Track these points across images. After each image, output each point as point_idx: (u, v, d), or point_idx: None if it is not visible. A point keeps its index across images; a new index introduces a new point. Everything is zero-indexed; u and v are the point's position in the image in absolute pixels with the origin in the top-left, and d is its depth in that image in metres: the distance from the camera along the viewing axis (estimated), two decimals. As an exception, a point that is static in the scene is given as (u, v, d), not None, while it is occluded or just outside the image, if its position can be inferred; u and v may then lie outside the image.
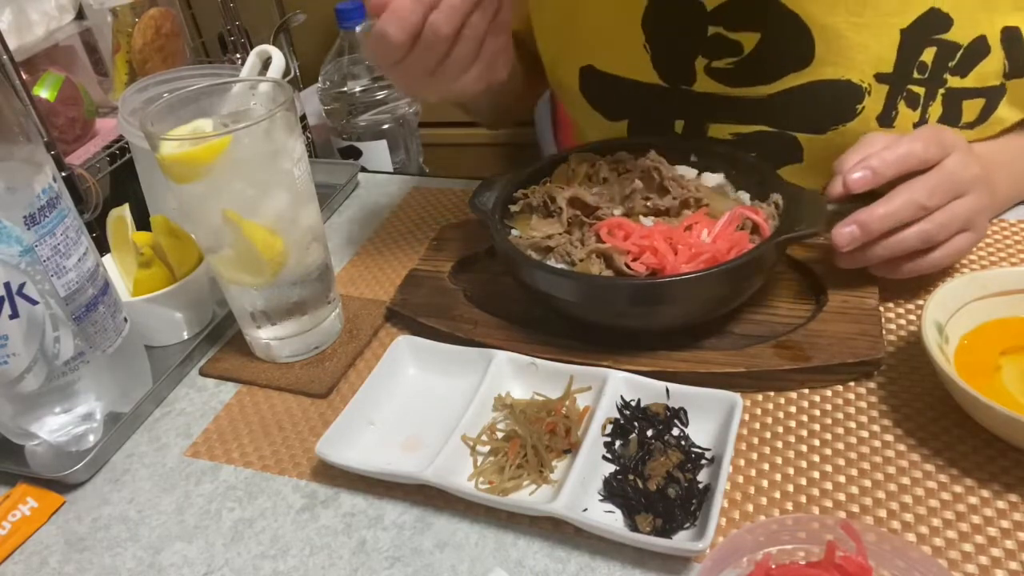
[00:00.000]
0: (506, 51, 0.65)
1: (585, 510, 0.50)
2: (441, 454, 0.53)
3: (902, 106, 0.68)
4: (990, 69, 0.66)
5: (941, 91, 0.68)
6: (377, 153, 1.29)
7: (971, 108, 0.68)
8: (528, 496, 0.52)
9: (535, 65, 0.87)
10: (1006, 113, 0.69)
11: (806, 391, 0.58)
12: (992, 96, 0.68)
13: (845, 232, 0.58)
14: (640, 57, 0.74)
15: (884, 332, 0.59)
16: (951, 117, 0.69)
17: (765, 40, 0.69)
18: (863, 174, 0.57)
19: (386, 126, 1.30)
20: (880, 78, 0.68)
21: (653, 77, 0.74)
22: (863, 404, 0.56)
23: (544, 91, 1.03)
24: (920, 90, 0.68)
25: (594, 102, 0.80)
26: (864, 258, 0.60)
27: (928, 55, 0.66)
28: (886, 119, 0.69)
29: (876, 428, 0.54)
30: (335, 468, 0.55)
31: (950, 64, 0.66)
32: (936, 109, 0.68)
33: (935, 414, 0.54)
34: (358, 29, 1.25)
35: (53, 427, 0.59)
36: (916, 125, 0.69)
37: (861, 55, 0.67)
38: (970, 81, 0.67)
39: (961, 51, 0.66)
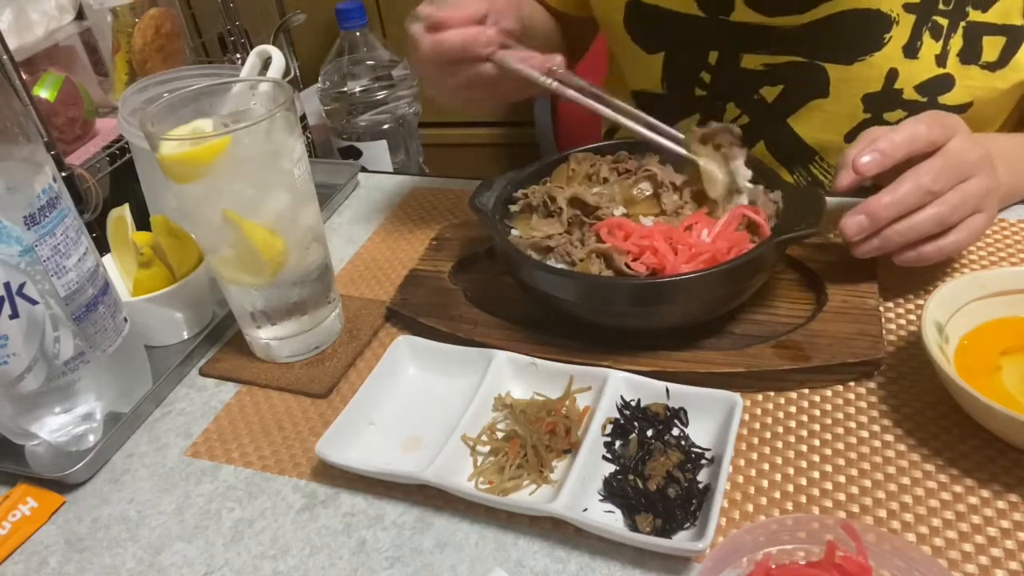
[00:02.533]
0: (514, 93, 0.71)
1: (585, 510, 0.50)
2: (441, 454, 0.53)
3: (926, 36, 0.70)
4: (1011, 6, 0.69)
5: (963, 23, 0.70)
6: (377, 153, 1.30)
7: (992, 46, 0.70)
8: (528, 496, 0.52)
9: (567, 31, 0.92)
10: None
11: (806, 391, 0.58)
12: (1013, 35, 0.69)
13: (853, 222, 0.58)
14: None
15: (884, 332, 0.59)
16: (971, 52, 0.70)
17: None
18: (872, 157, 0.57)
19: (386, 126, 1.30)
20: (908, 8, 0.70)
21: (692, 7, 0.77)
22: (863, 404, 0.56)
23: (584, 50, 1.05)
24: (944, 21, 0.70)
25: (635, 36, 0.83)
26: (881, 246, 0.59)
27: None
28: (911, 50, 0.71)
29: (876, 428, 0.54)
30: (335, 468, 0.55)
31: None
32: (957, 42, 0.70)
33: (935, 414, 0.54)
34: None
35: (53, 427, 0.59)
36: (938, 57, 0.71)
37: None
38: (991, 16, 0.69)
39: None
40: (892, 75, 0.72)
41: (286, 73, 0.73)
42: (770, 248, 0.58)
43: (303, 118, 1.25)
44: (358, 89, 1.28)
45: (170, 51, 1.21)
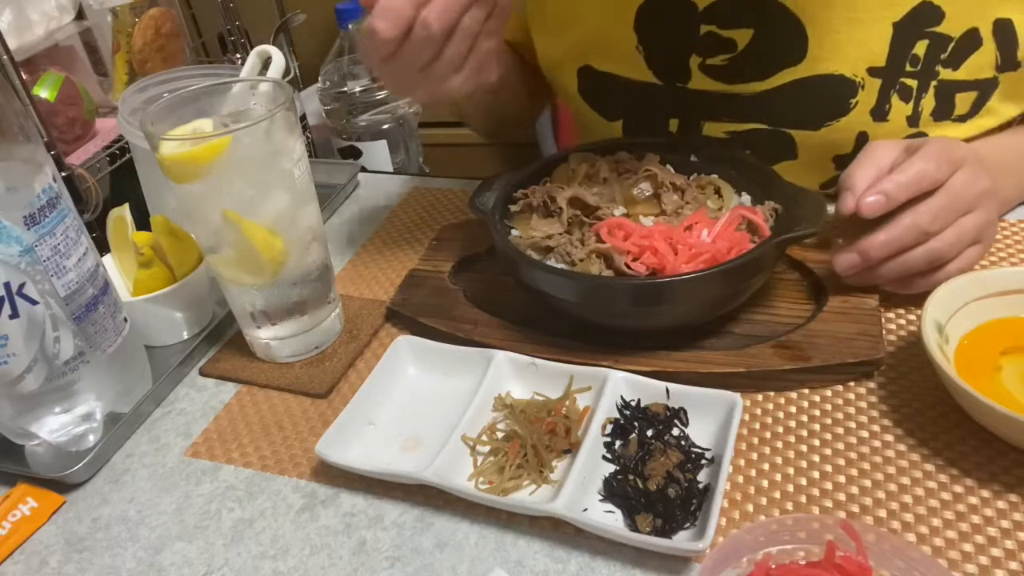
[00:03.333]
0: (497, 54, 0.64)
1: (585, 510, 0.50)
2: (441, 454, 0.53)
3: (895, 99, 0.69)
4: (982, 61, 0.67)
5: (933, 83, 0.68)
6: (377, 153, 1.30)
7: (964, 101, 0.69)
8: (528, 496, 0.52)
9: (534, 78, 0.87)
10: (998, 106, 0.69)
11: (806, 391, 0.58)
12: (985, 89, 0.68)
13: (846, 259, 0.59)
14: (634, 57, 0.75)
15: (884, 332, 0.59)
16: (944, 110, 0.69)
17: (759, 36, 0.70)
18: (877, 199, 0.57)
19: (386, 126, 1.30)
20: (873, 72, 0.68)
21: (648, 76, 0.75)
22: (863, 404, 0.56)
23: (543, 109, 1.05)
24: (912, 83, 0.68)
25: (592, 102, 0.81)
26: (871, 279, 0.60)
27: (920, 48, 0.67)
28: (879, 113, 0.69)
29: (876, 428, 0.54)
30: (335, 468, 0.55)
31: (942, 57, 0.67)
32: (929, 102, 0.69)
33: (935, 414, 0.54)
34: (350, 26, 1.25)
35: (53, 427, 0.59)
36: (909, 119, 0.69)
37: (854, 50, 0.68)
38: (962, 73, 0.68)
39: (953, 43, 0.66)
40: (862, 138, 0.70)
41: (286, 73, 0.73)
42: (770, 248, 0.58)
43: (303, 118, 1.25)
44: (358, 89, 1.28)
45: (170, 51, 1.21)
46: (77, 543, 0.55)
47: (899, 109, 0.69)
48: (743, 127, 0.74)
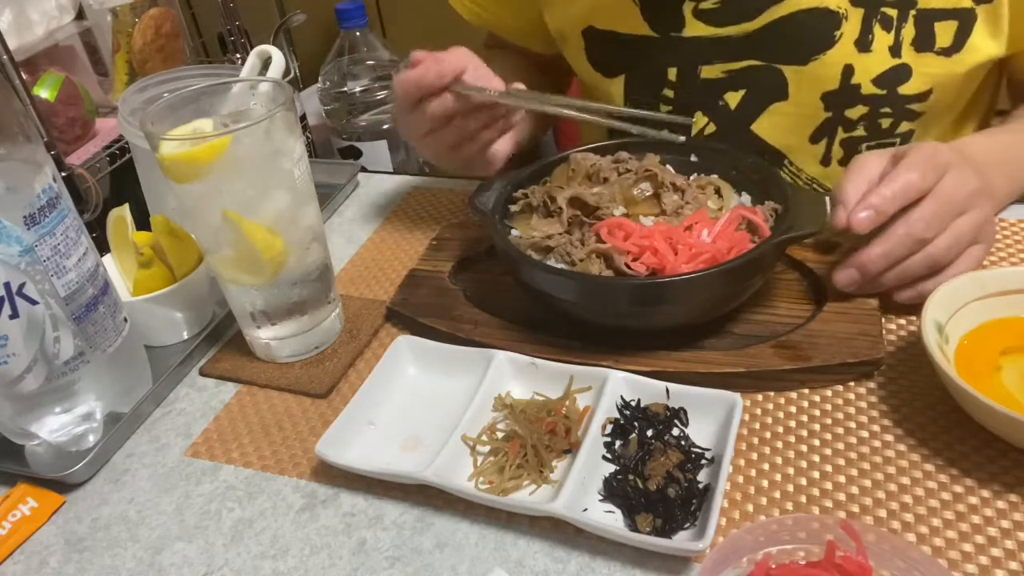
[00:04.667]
0: (479, 161, 0.74)
1: (585, 510, 0.50)
2: (441, 454, 0.53)
3: (877, 29, 0.71)
4: None
5: (912, 12, 0.70)
6: (377, 153, 1.30)
7: (944, 31, 0.71)
8: (528, 496, 0.52)
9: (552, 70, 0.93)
10: (981, 41, 0.71)
11: (806, 391, 0.58)
12: (964, 19, 0.70)
13: (845, 275, 0.60)
14: (630, 10, 0.78)
15: (884, 332, 0.59)
16: (924, 39, 0.71)
17: None
18: (867, 215, 0.57)
19: (386, 126, 1.30)
20: (855, 2, 0.71)
21: (644, 29, 0.78)
22: (863, 404, 0.56)
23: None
24: (893, 12, 0.71)
25: (594, 62, 0.84)
26: (872, 288, 0.61)
27: None
28: (863, 44, 0.72)
29: (876, 428, 0.54)
30: (335, 468, 0.55)
31: None
32: (909, 31, 0.71)
33: (935, 414, 0.54)
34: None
35: (53, 427, 0.59)
36: (891, 48, 0.72)
37: None
38: (940, 1, 0.70)
39: None
40: (848, 71, 0.73)
41: (286, 73, 0.73)
42: (770, 248, 0.58)
43: (303, 118, 1.25)
44: (358, 89, 1.28)
45: (170, 51, 1.21)
46: (77, 543, 0.55)
47: (881, 39, 0.71)
48: (738, 65, 0.77)
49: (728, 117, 0.80)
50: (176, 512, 0.56)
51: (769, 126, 0.79)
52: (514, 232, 0.66)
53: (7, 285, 0.52)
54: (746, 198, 0.66)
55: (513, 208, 0.68)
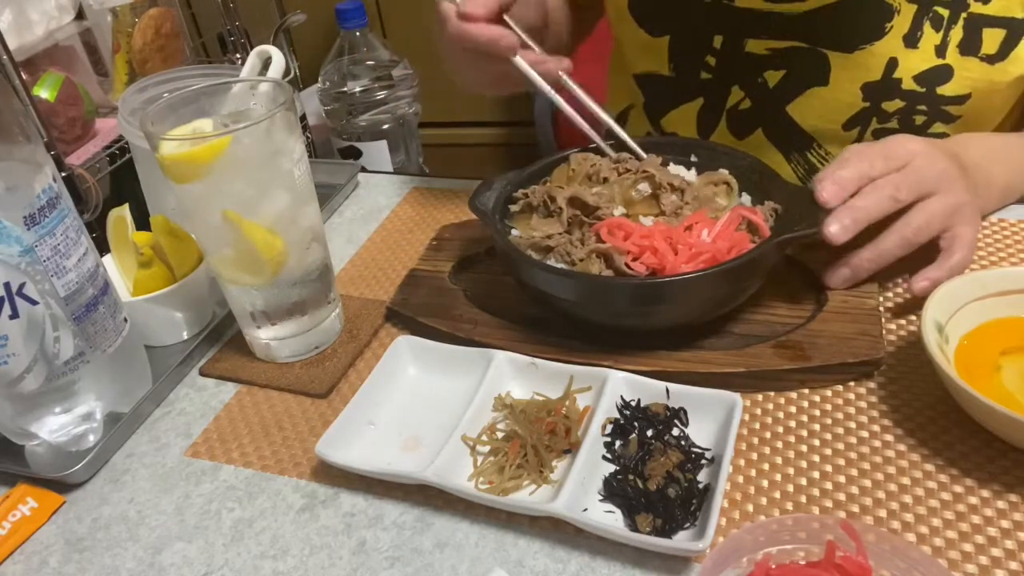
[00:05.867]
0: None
1: (585, 510, 0.50)
2: (441, 454, 0.53)
3: (927, 27, 0.71)
4: None
5: (964, 15, 0.70)
6: (377, 153, 1.30)
7: (992, 38, 0.71)
8: (528, 496, 0.52)
9: (573, 17, 0.93)
10: None
11: (806, 391, 0.58)
12: (1014, 28, 0.70)
13: (839, 276, 0.62)
14: None
15: (884, 332, 0.59)
16: (971, 43, 0.71)
17: None
18: (827, 187, 0.59)
19: (386, 126, 1.30)
20: None
21: None
22: (863, 404, 0.56)
23: (584, 39, 1.07)
24: (945, 12, 0.70)
25: (640, 20, 0.83)
26: (856, 270, 0.62)
27: None
28: (911, 39, 0.72)
29: (876, 428, 0.54)
30: (335, 468, 0.55)
31: None
32: (957, 33, 0.71)
33: (935, 414, 0.54)
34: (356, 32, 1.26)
35: (53, 427, 0.59)
36: (937, 48, 0.71)
37: None
38: (992, 8, 0.70)
39: None
40: (892, 64, 0.73)
41: (286, 73, 0.73)
42: (770, 248, 0.58)
43: (303, 118, 1.25)
44: (358, 89, 1.28)
45: (170, 51, 1.21)
46: (77, 543, 0.55)
47: (929, 37, 0.71)
48: (782, 44, 0.76)
49: (765, 94, 0.80)
50: (176, 512, 0.56)
51: (804, 109, 0.78)
52: (514, 232, 0.66)
53: (7, 285, 0.52)
54: (746, 198, 0.66)
55: (513, 208, 0.68)
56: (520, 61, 0.69)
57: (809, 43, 0.75)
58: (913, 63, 0.73)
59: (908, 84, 0.73)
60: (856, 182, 0.60)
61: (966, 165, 0.64)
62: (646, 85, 0.89)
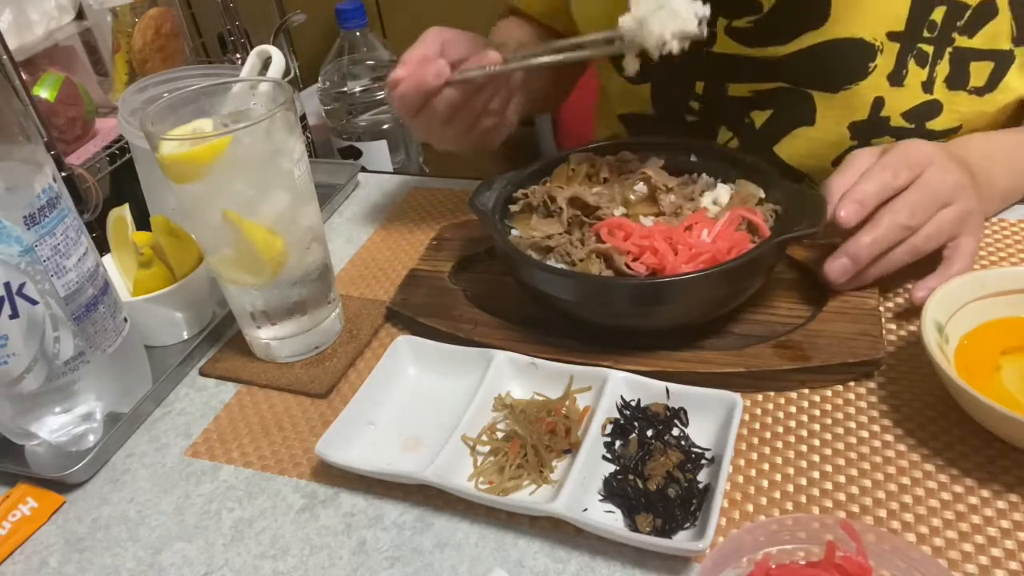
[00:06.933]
0: (497, 129, 0.76)
1: (585, 510, 0.50)
2: (441, 454, 0.53)
3: (911, 64, 0.70)
4: (998, 31, 0.68)
5: (949, 50, 0.69)
6: (377, 153, 1.29)
7: (979, 71, 0.70)
8: (528, 496, 0.52)
9: (562, 72, 0.93)
10: (1015, 82, 0.70)
11: (806, 391, 0.58)
12: (1001, 61, 0.69)
13: (837, 265, 0.61)
14: None
15: (884, 332, 0.59)
16: (958, 78, 0.70)
17: None
18: (849, 209, 0.59)
19: (386, 126, 1.30)
20: (891, 36, 0.69)
21: None
22: (863, 404, 0.56)
23: (566, 98, 1.09)
24: (929, 48, 0.70)
25: (619, 66, 0.83)
26: (858, 281, 0.62)
27: (938, 14, 0.68)
28: (896, 78, 0.71)
29: (876, 428, 0.54)
30: (335, 468, 0.55)
31: (958, 23, 0.68)
32: (943, 68, 0.70)
33: (935, 414, 0.54)
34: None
35: (53, 427, 0.59)
36: (924, 84, 0.71)
37: (874, 13, 0.69)
38: (978, 42, 0.69)
39: (969, 11, 0.68)
40: (878, 103, 0.72)
41: (286, 73, 0.73)
42: (770, 248, 0.58)
43: (303, 118, 1.25)
44: (358, 89, 1.28)
45: (170, 51, 1.21)
46: (77, 543, 0.55)
47: (915, 74, 0.71)
48: (766, 86, 0.76)
49: (752, 135, 0.79)
50: (176, 512, 0.56)
51: (792, 149, 0.78)
52: (514, 232, 0.66)
53: (7, 285, 0.52)
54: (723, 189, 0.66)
55: (513, 208, 0.68)
56: (455, 73, 0.68)
57: (792, 84, 0.74)
58: (900, 101, 0.72)
59: (897, 121, 0.72)
60: (879, 197, 0.59)
61: (973, 170, 0.63)
62: (631, 125, 0.89)
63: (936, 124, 0.73)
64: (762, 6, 0.72)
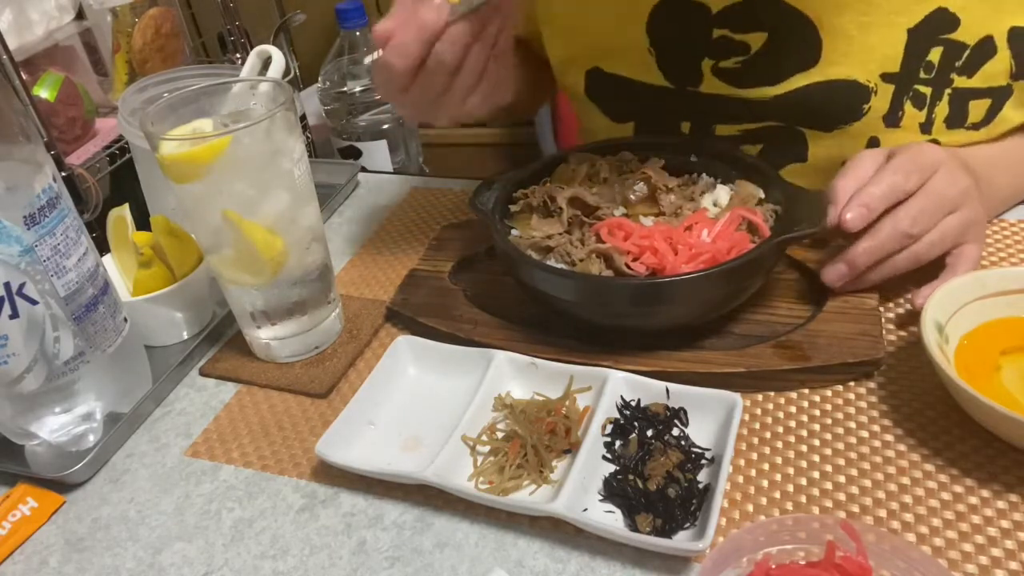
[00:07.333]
0: (508, 76, 0.67)
1: (585, 510, 0.50)
2: (441, 454, 0.53)
3: (908, 106, 0.69)
4: (997, 69, 0.67)
5: (948, 91, 0.68)
6: (377, 153, 1.29)
7: (977, 108, 0.69)
8: (528, 496, 0.52)
9: (543, 68, 0.87)
10: (1012, 114, 0.69)
11: (806, 391, 0.58)
12: (999, 96, 0.68)
13: (834, 271, 0.61)
14: (646, 59, 0.74)
15: (884, 332, 0.59)
16: (957, 117, 0.69)
17: (772, 40, 0.69)
18: (855, 213, 0.58)
19: (386, 126, 1.30)
20: (886, 78, 0.68)
21: (659, 79, 0.75)
22: (863, 404, 0.56)
23: (553, 91, 1.05)
24: (927, 90, 0.68)
25: (600, 104, 0.80)
26: (857, 285, 0.61)
27: (935, 55, 0.66)
28: (892, 119, 0.69)
29: (876, 428, 0.54)
30: (335, 468, 0.55)
31: (957, 64, 0.67)
32: (943, 109, 0.68)
33: (935, 414, 0.54)
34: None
35: (53, 427, 0.59)
36: (923, 126, 0.69)
37: (868, 55, 0.67)
38: (977, 81, 0.67)
39: (968, 51, 0.66)
40: (873, 143, 0.70)
41: (286, 73, 0.73)
42: (770, 248, 0.58)
43: (303, 118, 1.25)
44: (358, 89, 1.28)
45: (170, 51, 1.21)
46: (77, 543, 0.55)
47: (912, 116, 0.69)
48: (756, 126, 0.74)
49: None
50: (176, 512, 0.56)
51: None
52: (514, 232, 0.66)
53: (7, 285, 0.52)
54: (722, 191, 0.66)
55: (513, 208, 0.68)
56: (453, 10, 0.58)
57: (783, 123, 0.72)
58: (896, 141, 0.68)
59: None
60: (887, 201, 0.58)
61: (977, 175, 0.63)
62: None
63: None
64: (749, 47, 0.70)
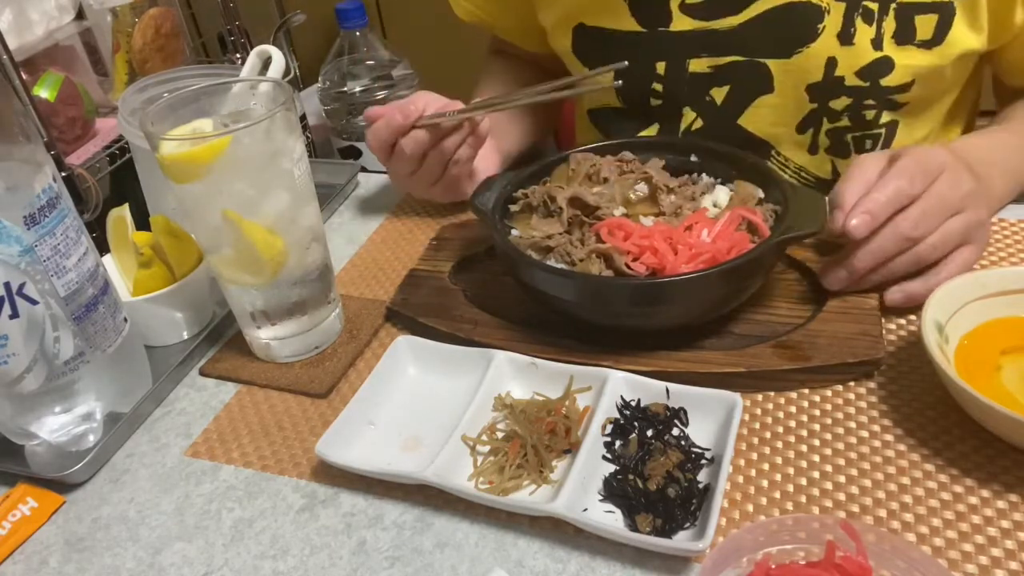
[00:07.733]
0: (466, 179, 0.81)
1: (585, 510, 0.50)
2: (441, 454, 0.53)
3: (859, 22, 0.72)
4: None
5: (893, 5, 0.71)
6: (377, 153, 1.29)
7: (924, 24, 0.72)
8: (528, 496, 0.52)
9: (549, 109, 0.98)
10: (961, 34, 0.72)
11: (806, 391, 0.58)
12: (944, 12, 0.71)
13: (834, 277, 0.62)
14: (619, 7, 0.79)
15: (884, 332, 0.59)
16: (905, 32, 0.72)
17: None
18: (861, 220, 0.58)
19: (386, 126, 1.29)
20: None
21: (633, 24, 0.80)
22: (863, 404, 0.56)
23: (548, 131, 1.12)
24: (874, 5, 0.71)
25: (584, 59, 0.85)
26: (858, 286, 0.62)
27: None
28: (845, 36, 0.73)
29: (876, 428, 0.54)
30: (335, 468, 0.55)
31: None
32: (889, 24, 0.72)
33: (935, 414, 0.54)
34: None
35: (53, 427, 0.59)
36: (873, 41, 0.73)
37: None
38: None
39: None
40: (831, 63, 0.74)
41: (286, 73, 0.73)
42: (770, 248, 0.58)
43: (303, 118, 1.25)
44: (358, 89, 1.28)
45: (170, 51, 1.21)
46: (77, 543, 0.55)
47: (863, 32, 0.72)
48: (723, 60, 0.78)
49: (715, 112, 0.81)
50: (176, 512, 0.56)
51: (756, 118, 0.79)
52: (514, 232, 0.66)
53: (7, 285, 0.52)
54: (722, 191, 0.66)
55: (513, 208, 0.68)
56: (423, 118, 0.74)
57: (748, 56, 0.77)
58: (852, 59, 0.73)
59: (851, 80, 0.74)
60: (892, 206, 0.59)
61: (978, 175, 0.63)
62: (600, 119, 0.90)
63: (889, 80, 0.74)
64: None
